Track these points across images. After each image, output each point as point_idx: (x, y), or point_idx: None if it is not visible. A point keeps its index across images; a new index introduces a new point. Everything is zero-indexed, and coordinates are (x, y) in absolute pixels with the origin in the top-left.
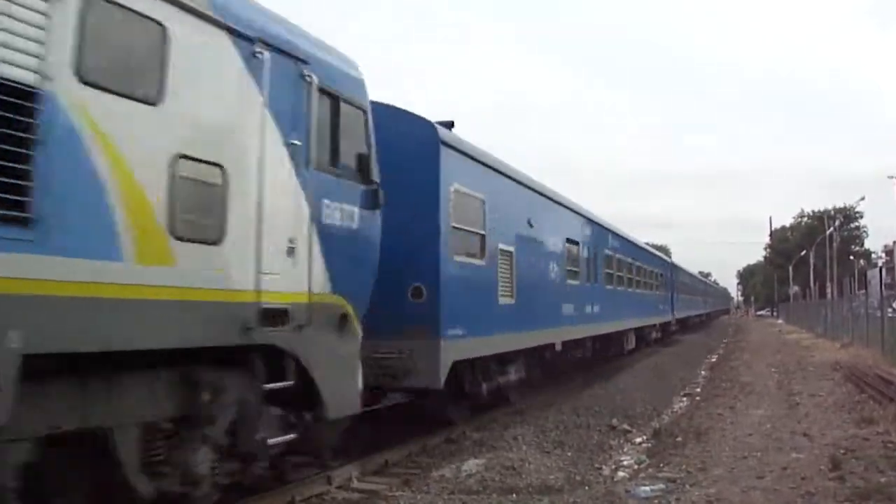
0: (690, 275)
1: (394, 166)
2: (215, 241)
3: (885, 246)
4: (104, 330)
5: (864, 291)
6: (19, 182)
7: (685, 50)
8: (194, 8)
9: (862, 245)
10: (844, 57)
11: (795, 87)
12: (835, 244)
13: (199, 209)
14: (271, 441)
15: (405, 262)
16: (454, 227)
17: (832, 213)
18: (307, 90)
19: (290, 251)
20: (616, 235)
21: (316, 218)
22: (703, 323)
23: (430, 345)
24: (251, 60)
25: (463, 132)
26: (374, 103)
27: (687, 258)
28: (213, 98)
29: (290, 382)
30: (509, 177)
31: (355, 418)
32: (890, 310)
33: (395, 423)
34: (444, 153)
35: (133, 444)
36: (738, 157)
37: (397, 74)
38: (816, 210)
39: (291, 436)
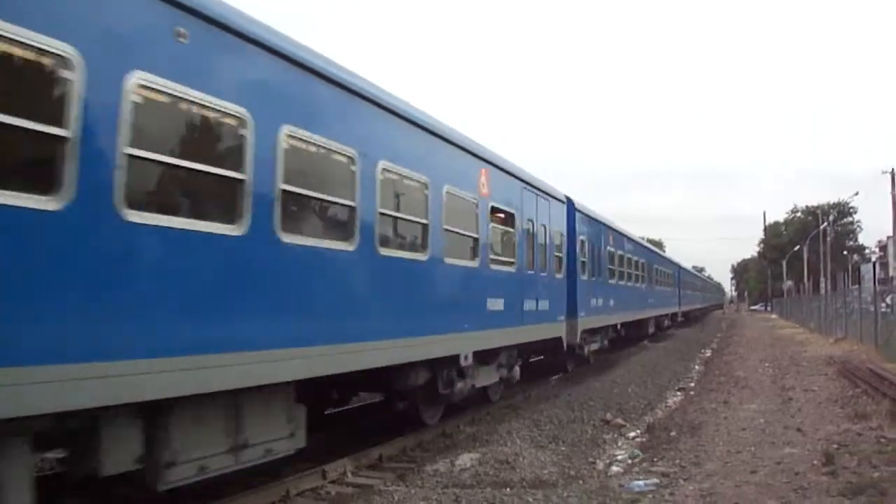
0: (640, 245)
1: None
2: None
3: (879, 241)
4: None
5: (857, 287)
6: None
7: (681, 46)
8: None
9: (856, 240)
10: (843, 54)
11: (791, 82)
12: (829, 239)
13: None
14: None
15: None
16: None
17: (826, 208)
18: None
19: None
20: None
21: None
22: (687, 323)
23: None
24: None
25: (467, 130)
26: None
27: (681, 253)
28: None
29: None
30: None
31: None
32: (883, 305)
33: (390, 417)
34: None
35: None
36: (733, 153)
37: (393, 73)
38: (810, 205)
39: None
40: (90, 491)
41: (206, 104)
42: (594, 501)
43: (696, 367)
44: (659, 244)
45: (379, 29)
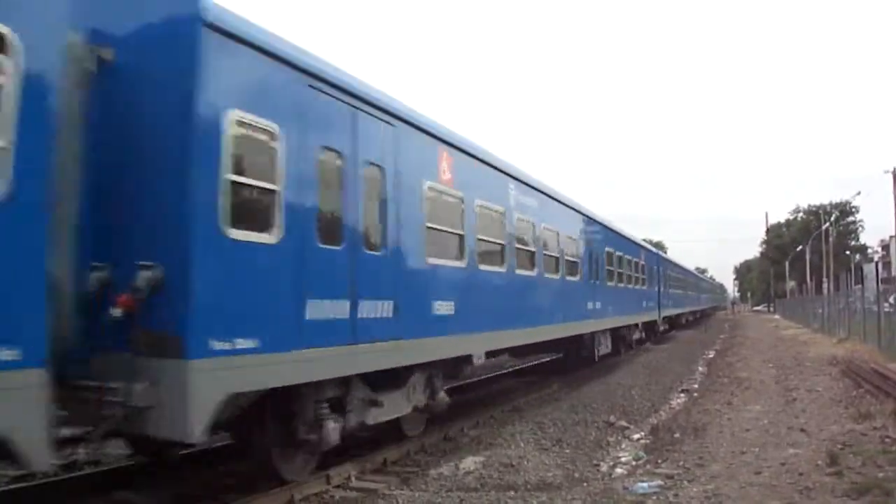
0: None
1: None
2: None
3: (882, 240)
4: None
5: (860, 286)
6: None
7: (684, 49)
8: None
9: (858, 240)
10: (845, 54)
11: (793, 83)
12: (831, 239)
13: None
14: None
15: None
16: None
17: (828, 207)
18: None
19: None
20: None
21: None
22: (694, 322)
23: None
24: None
25: (475, 135)
26: None
27: (684, 255)
28: None
29: None
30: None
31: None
32: (886, 304)
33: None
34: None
35: None
36: (736, 154)
37: (398, 79)
38: (812, 205)
39: None
40: (93, 497)
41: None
42: None
43: (700, 368)
44: (660, 246)
45: (370, 35)
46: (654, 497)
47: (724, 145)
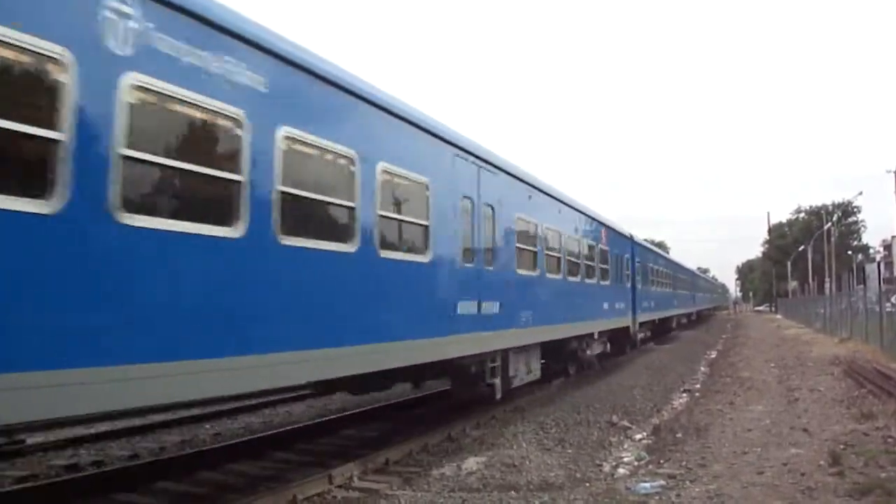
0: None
1: None
2: None
3: (884, 240)
4: None
5: (862, 286)
6: None
7: (687, 49)
8: None
9: (860, 240)
10: (847, 53)
11: (795, 83)
12: (833, 239)
13: None
14: None
15: None
16: None
17: (830, 208)
18: None
19: None
20: None
21: None
22: (693, 323)
23: None
24: None
25: (478, 136)
26: None
27: (686, 254)
28: None
29: None
30: None
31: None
32: (888, 304)
33: (396, 421)
34: None
35: None
36: (738, 154)
37: (402, 80)
38: (814, 205)
39: None
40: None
41: None
42: None
43: (702, 368)
44: (662, 245)
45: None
46: (657, 497)
47: (728, 147)
